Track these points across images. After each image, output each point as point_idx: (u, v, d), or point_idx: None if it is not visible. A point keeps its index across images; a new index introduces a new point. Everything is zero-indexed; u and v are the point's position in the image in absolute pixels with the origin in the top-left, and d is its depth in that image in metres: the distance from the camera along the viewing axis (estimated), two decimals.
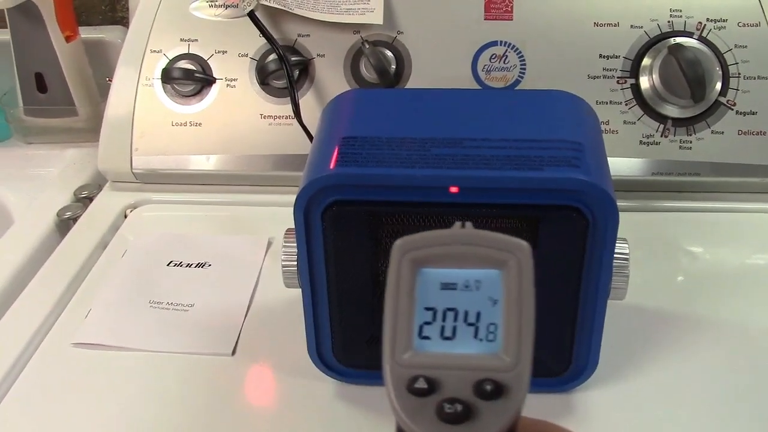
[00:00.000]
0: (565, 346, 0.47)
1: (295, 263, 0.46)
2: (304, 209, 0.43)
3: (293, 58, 0.68)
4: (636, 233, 0.63)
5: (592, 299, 0.45)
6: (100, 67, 0.85)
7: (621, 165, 0.67)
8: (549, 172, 0.41)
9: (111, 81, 0.71)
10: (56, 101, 0.80)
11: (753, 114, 0.66)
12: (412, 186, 0.42)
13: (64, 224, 0.69)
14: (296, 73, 0.68)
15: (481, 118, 0.46)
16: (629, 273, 0.44)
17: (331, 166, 0.43)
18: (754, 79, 0.66)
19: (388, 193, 0.42)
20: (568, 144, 0.43)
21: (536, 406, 0.48)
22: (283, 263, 0.47)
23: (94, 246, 0.64)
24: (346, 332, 0.48)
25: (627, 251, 0.44)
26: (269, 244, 0.63)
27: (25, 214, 0.70)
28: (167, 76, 0.69)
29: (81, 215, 0.69)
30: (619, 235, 0.45)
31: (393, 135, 0.44)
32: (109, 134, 0.71)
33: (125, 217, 0.69)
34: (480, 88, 0.67)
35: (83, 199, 0.72)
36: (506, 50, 0.67)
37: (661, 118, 0.66)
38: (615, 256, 0.44)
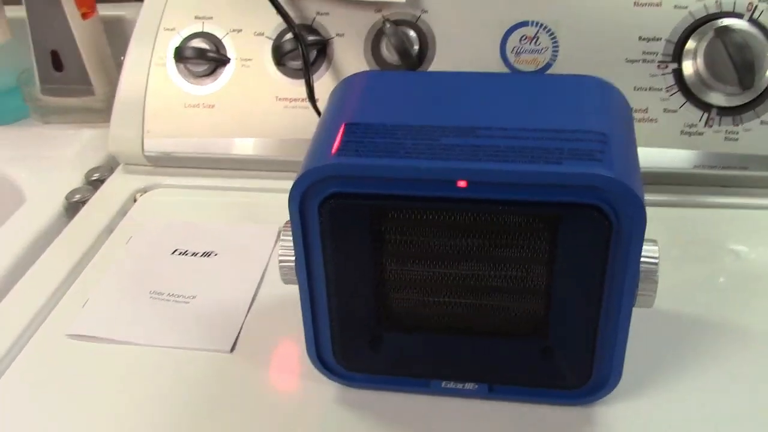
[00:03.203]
0: (585, 357, 0.42)
1: (293, 258, 0.43)
2: (299, 201, 0.40)
3: (310, 38, 0.64)
4: (674, 231, 0.59)
5: (615, 307, 0.40)
6: (120, 45, 0.82)
7: (660, 156, 0.62)
8: (567, 167, 0.36)
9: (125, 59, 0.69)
10: (73, 80, 0.78)
11: None
12: (416, 179, 0.38)
13: (73, 207, 0.66)
14: (313, 53, 0.64)
15: (500, 104, 0.42)
16: (658, 279, 0.40)
17: (330, 155, 0.39)
18: None
19: (390, 186, 0.39)
20: (593, 135, 0.39)
21: (554, 418, 0.44)
22: (280, 258, 0.43)
23: (100, 231, 0.62)
24: (346, 334, 0.44)
25: (656, 255, 0.40)
26: (280, 233, 0.60)
27: (36, 195, 0.68)
28: (180, 55, 0.66)
29: (90, 198, 0.66)
30: (654, 233, 0.40)
31: (401, 122, 0.41)
32: (120, 116, 0.68)
33: (134, 201, 0.66)
34: (508, 71, 0.63)
35: (94, 181, 0.70)
36: (538, 31, 0.62)
37: (705, 107, 0.61)
38: (642, 260, 0.39)
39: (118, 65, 0.80)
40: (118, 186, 0.68)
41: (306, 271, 0.42)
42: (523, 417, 0.44)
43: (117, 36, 0.83)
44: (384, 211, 0.41)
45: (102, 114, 0.78)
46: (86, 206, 0.65)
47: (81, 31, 0.76)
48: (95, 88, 0.78)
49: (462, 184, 0.38)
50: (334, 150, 0.39)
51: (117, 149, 0.69)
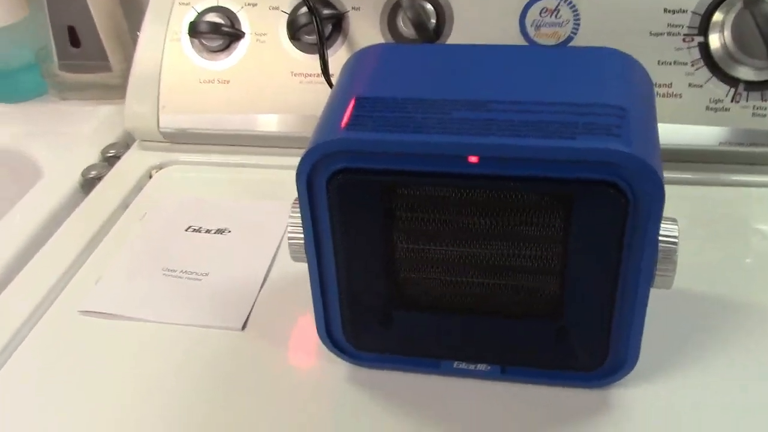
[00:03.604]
0: (601, 338, 0.41)
1: (302, 235, 0.42)
2: (307, 176, 0.39)
3: (325, 12, 0.63)
4: (699, 209, 0.58)
5: (632, 287, 0.39)
6: (136, 21, 0.82)
7: (684, 133, 0.60)
8: (583, 142, 0.35)
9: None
10: (90, 56, 0.77)
11: None
12: (426, 154, 0.37)
13: (89, 183, 0.66)
14: (329, 27, 0.63)
15: (514, 78, 0.41)
16: (677, 259, 0.39)
17: (339, 129, 0.38)
18: None
19: (399, 161, 0.38)
20: (610, 109, 0.37)
21: (568, 401, 0.43)
22: (290, 235, 0.43)
23: (115, 207, 0.62)
24: (357, 311, 0.43)
25: (676, 234, 0.38)
26: None
27: (52, 171, 0.68)
28: (194, 30, 0.65)
29: (105, 175, 0.66)
30: (677, 212, 0.39)
31: (412, 96, 0.39)
32: (135, 92, 0.68)
33: (150, 177, 0.66)
34: (527, 45, 0.61)
35: (110, 158, 0.69)
36: (558, 3, 0.61)
37: (732, 81, 0.59)
38: (660, 239, 0.38)
39: (135, 41, 0.79)
40: (133, 162, 0.67)
41: (315, 248, 0.42)
42: (536, 399, 0.43)
43: (133, 11, 0.83)
44: (393, 187, 0.40)
45: (119, 90, 0.78)
46: (102, 183, 0.65)
47: (97, 7, 0.75)
48: (112, 64, 0.78)
49: (473, 159, 0.37)
50: (343, 124, 0.38)
51: (133, 125, 0.68)
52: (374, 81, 0.42)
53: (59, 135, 0.74)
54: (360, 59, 0.45)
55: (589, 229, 0.38)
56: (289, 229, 0.42)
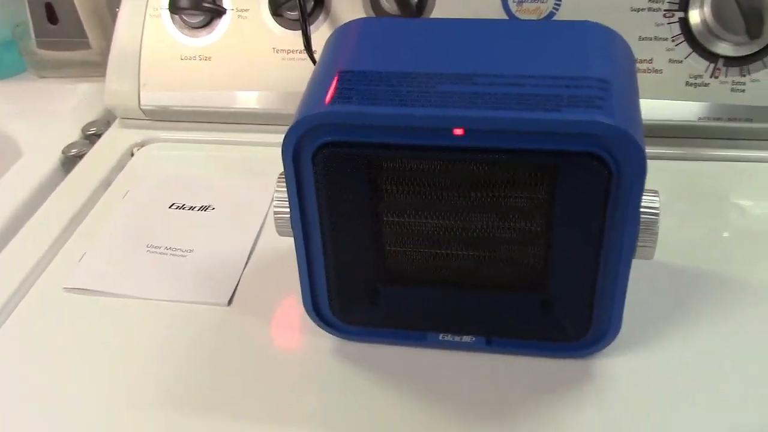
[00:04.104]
0: (584, 309, 0.42)
1: (287, 210, 0.42)
2: (293, 150, 0.39)
3: None
4: (678, 183, 0.59)
5: (614, 258, 0.40)
6: None
7: (665, 108, 0.60)
8: (566, 114, 0.35)
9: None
10: (68, 33, 0.76)
11: None
12: (412, 127, 0.37)
13: (70, 161, 0.66)
14: (311, 3, 0.63)
15: (499, 51, 0.41)
16: (658, 230, 0.39)
17: (325, 103, 0.38)
18: None
19: (384, 135, 0.38)
20: (593, 82, 0.38)
21: (553, 371, 0.44)
22: (275, 209, 0.43)
23: (97, 185, 0.62)
24: (343, 286, 0.44)
25: (657, 205, 0.39)
26: None
27: (32, 149, 0.68)
28: (175, 6, 0.65)
29: (87, 153, 0.66)
30: (660, 184, 0.39)
31: (396, 69, 0.39)
32: (116, 69, 0.67)
33: (132, 155, 0.65)
34: (509, 19, 0.61)
35: (91, 135, 0.69)
36: None
37: (712, 57, 0.59)
38: (642, 210, 0.38)
39: (114, 18, 0.78)
40: (115, 140, 0.67)
41: (301, 222, 0.42)
42: (521, 370, 0.44)
43: None
44: (379, 160, 0.40)
45: (98, 67, 0.77)
46: (83, 160, 0.65)
47: None
48: (91, 41, 0.77)
49: (459, 132, 0.37)
50: (328, 98, 0.38)
51: (113, 103, 0.68)
52: (358, 55, 0.42)
53: (38, 113, 0.73)
54: (343, 33, 0.45)
55: (573, 201, 0.38)
56: (275, 203, 0.42)
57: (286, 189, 0.41)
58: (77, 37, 0.77)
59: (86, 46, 0.77)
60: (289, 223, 0.42)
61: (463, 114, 0.36)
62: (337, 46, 0.44)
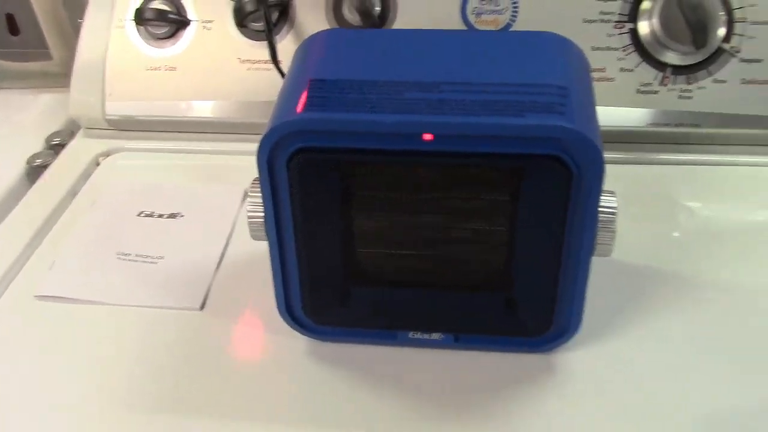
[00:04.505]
0: (547, 305, 0.44)
1: (261, 215, 0.43)
2: (268, 156, 0.41)
3: None
4: (631, 187, 0.61)
5: (575, 256, 0.42)
6: (75, 8, 0.81)
7: (617, 115, 0.63)
8: (530, 119, 0.38)
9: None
10: (29, 44, 0.76)
11: (758, 62, 0.62)
12: (382, 133, 0.39)
13: (35, 171, 0.66)
14: (275, 14, 0.64)
15: (462, 60, 0.43)
16: (616, 228, 0.41)
17: (298, 111, 0.39)
18: (761, 24, 0.62)
19: (356, 140, 0.39)
20: (553, 89, 0.40)
21: (518, 365, 0.46)
22: (249, 215, 0.44)
23: (64, 194, 0.62)
24: (316, 287, 0.45)
25: (614, 205, 0.41)
26: (245, 194, 0.61)
27: None
28: (140, 17, 0.66)
29: (51, 163, 0.66)
30: (612, 188, 0.42)
31: (366, 78, 0.41)
32: (80, 79, 0.67)
33: (97, 165, 0.66)
34: (471, 29, 0.64)
35: (55, 146, 0.69)
36: None
37: (661, 66, 0.63)
38: (600, 209, 0.41)
39: (75, 29, 0.78)
40: (80, 150, 0.67)
41: (275, 226, 0.43)
42: (487, 365, 0.46)
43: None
44: (351, 165, 0.41)
45: (59, 78, 0.77)
46: (49, 170, 0.65)
47: None
48: (52, 52, 0.77)
49: (428, 137, 0.39)
50: (300, 106, 0.40)
51: (78, 113, 0.68)
52: (327, 64, 0.44)
53: (1, 123, 0.73)
54: (311, 44, 0.47)
55: (536, 202, 0.41)
56: (249, 208, 0.44)
57: (260, 194, 0.42)
58: (38, 48, 0.77)
59: (47, 57, 0.77)
60: (263, 228, 0.44)
61: (433, 120, 0.38)
62: (307, 56, 0.45)
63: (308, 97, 0.40)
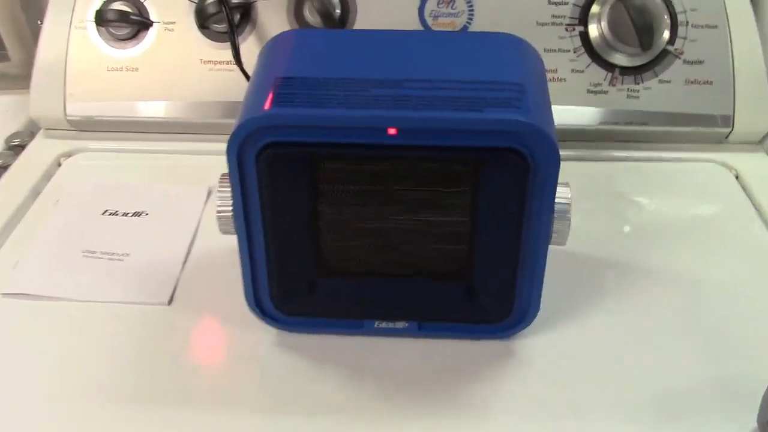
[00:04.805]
0: (506, 292, 0.46)
1: (230, 209, 0.44)
2: (237, 152, 0.42)
3: (234, 1, 0.65)
4: (583, 182, 0.64)
5: (533, 244, 0.44)
6: (33, 11, 0.81)
7: (568, 113, 0.66)
8: (489, 113, 0.40)
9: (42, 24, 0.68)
10: None
11: (700, 63, 0.65)
12: (349, 127, 0.40)
13: None
14: (237, 16, 0.66)
15: (424, 59, 0.45)
16: (570, 218, 0.44)
17: (266, 106, 0.41)
18: (702, 27, 0.65)
19: (324, 135, 0.41)
20: (510, 86, 0.42)
21: (478, 351, 0.48)
22: (218, 209, 0.45)
23: (26, 195, 0.62)
24: (284, 279, 0.46)
25: (569, 195, 0.44)
26: (209, 193, 0.62)
27: None
28: (101, 18, 0.66)
29: (12, 163, 0.66)
30: (566, 183, 0.44)
31: (331, 75, 0.43)
32: (40, 79, 0.68)
33: (59, 165, 0.66)
34: (432, 30, 0.66)
35: (15, 147, 0.69)
36: None
37: (609, 67, 0.66)
38: (556, 200, 0.43)
39: (33, 31, 0.78)
40: (40, 150, 0.67)
41: (244, 220, 0.44)
42: (450, 351, 0.48)
43: (30, 2, 0.82)
44: (319, 159, 0.43)
45: (17, 80, 0.77)
46: (9, 171, 0.65)
47: None
48: (10, 54, 0.77)
49: (392, 131, 0.40)
50: (268, 102, 0.41)
51: (38, 113, 0.68)
52: (293, 63, 0.45)
53: None
54: (276, 44, 0.48)
55: (495, 194, 0.43)
56: (218, 203, 0.45)
57: (229, 189, 0.44)
58: None
59: (5, 58, 0.77)
60: (231, 222, 0.45)
61: (397, 114, 0.40)
62: (273, 56, 0.47)
63: (275, 93, 0.42)
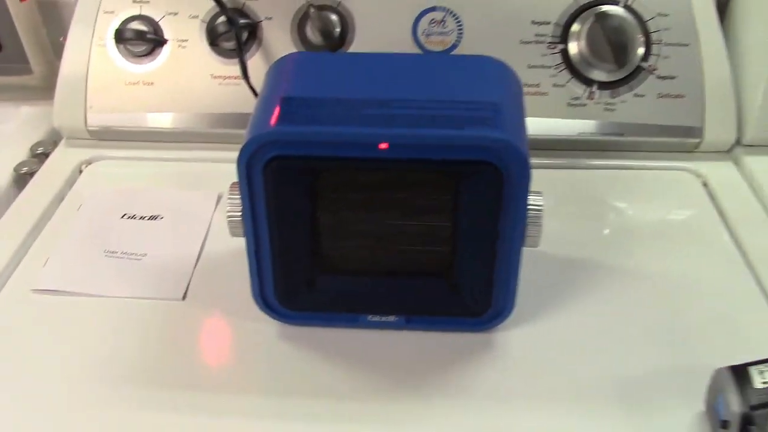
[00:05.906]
0: (485, 290, 0.51)
1: (240, 214, 0.50)
2: (246, 164, 0.47)
3: (241, 21, 0.71)
4: (563, 189, 0.69)
5: (508, 246, 0.49)
6: (54, 26, 0.87)
7: (550, 125, 0.71)
8: (467, 131, 0.45)
9: (65, 40, 0.74)
10: (11, 59, 0.82)
11: (672, 78, 0.70)
12: (345, 142, 0.46)
13: (22, 179, 0.71)
14: (245, 35, 0.71)
15: (411, 81, 0.50)
16: (542, 223, 0.49)
17: (272, 123, 0.46)
18: (674, 45, 0.70)
19: (323, 149, 0.46)
20: (488, 105, 0.47)
21: (459, 344, 0.53)
22: (228, 214, 0.50)
23: (51, 200, 0.67)
24: (287, 277, 0.52)
25: (540, 203, 0.49)
26: (219, 198, 0.67)
27: None
28: (120, 37, 0.72)
29: (37, 170, 0.71)
30: (546, 190, 0.49)
31: (330, 96, 0.48)
32: (64, 92, 0.73)
33: (80, 172, 0.72)
34: (419, 51, 0.71)
35: (39, 155, 0.75)
36: (445, 15, 0.71)
37: (588, 82, 0.71)
38: (528, 207, 0.48)
39: (54, 46, 0.84)
40: (63, 158, 0.73)
41: (252, 224, 0.50)
42: (435, 343, 0.53)
43: (51, 18, 0.87)
44: (318, 170, 0.48)
45: (39, 92, 0.83)
46: (35, 177, 0.70)
47: (19, 13, 0.80)
48: (33, 67, 0.83)
49: (383, 146, 0.46)
50: (274, 119, 0.47)
51: (61, 123, 0.74)
52: (296, 84, 0.51)
53: None
54: (280, 66, 0.54)
55: (474, 201, 0.48)
56: (229, 208, 0.50)
57: (238, 196, 0.49)
58: (19, 63, 0.82)
59: (28, 71, 0.83)
60: (241, 225, 0.50)
61: (387, 132, 0.45)
62: (277, 77, 0.52)
63: (281, 112, 0.47)
